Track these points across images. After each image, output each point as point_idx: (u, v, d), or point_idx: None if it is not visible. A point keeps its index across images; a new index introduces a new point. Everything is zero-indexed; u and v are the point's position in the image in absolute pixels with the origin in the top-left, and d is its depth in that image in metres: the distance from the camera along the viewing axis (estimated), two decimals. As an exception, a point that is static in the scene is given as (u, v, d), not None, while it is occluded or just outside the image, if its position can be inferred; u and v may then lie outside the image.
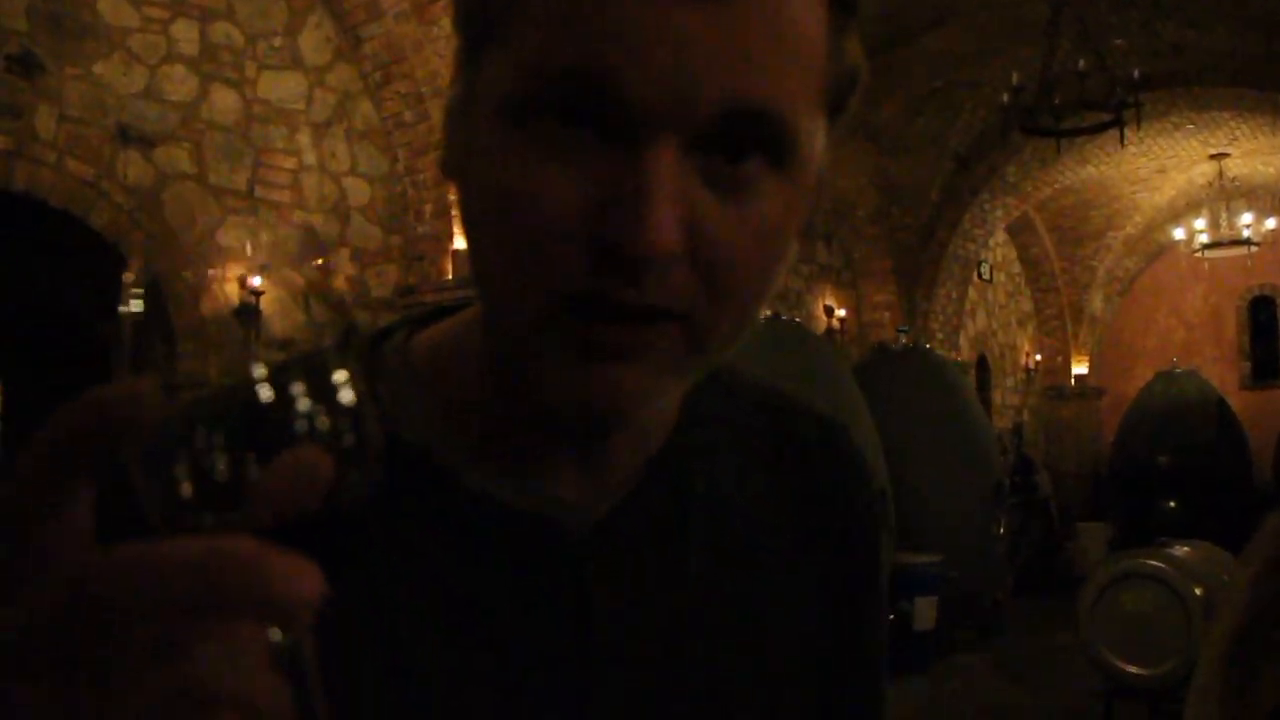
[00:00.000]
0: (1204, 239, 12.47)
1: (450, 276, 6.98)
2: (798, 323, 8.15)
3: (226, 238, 6.49)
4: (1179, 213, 13.47)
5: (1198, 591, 5.22)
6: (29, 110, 5.67)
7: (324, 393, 0.36)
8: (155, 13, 6.24)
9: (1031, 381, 15.15)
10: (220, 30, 6.55)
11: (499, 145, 0.51)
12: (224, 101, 6.55)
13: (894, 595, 7.12)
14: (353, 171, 7.16)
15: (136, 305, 5.71)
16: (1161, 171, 12.85)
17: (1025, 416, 14.74)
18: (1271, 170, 12.80)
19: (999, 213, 12.11)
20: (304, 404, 0.36)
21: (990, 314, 14.28)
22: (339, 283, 7.04)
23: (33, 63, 5.69)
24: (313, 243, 6.91)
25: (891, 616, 6.76)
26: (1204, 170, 12.64)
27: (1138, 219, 14.17)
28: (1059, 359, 15.39)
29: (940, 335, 11.85)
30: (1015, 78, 7.66)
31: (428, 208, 7.21)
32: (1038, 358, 15.24)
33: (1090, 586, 5.64)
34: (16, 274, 6.77)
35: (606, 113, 0.49)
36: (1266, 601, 0.75)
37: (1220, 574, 5.29)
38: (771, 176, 0.51)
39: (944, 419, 8.56)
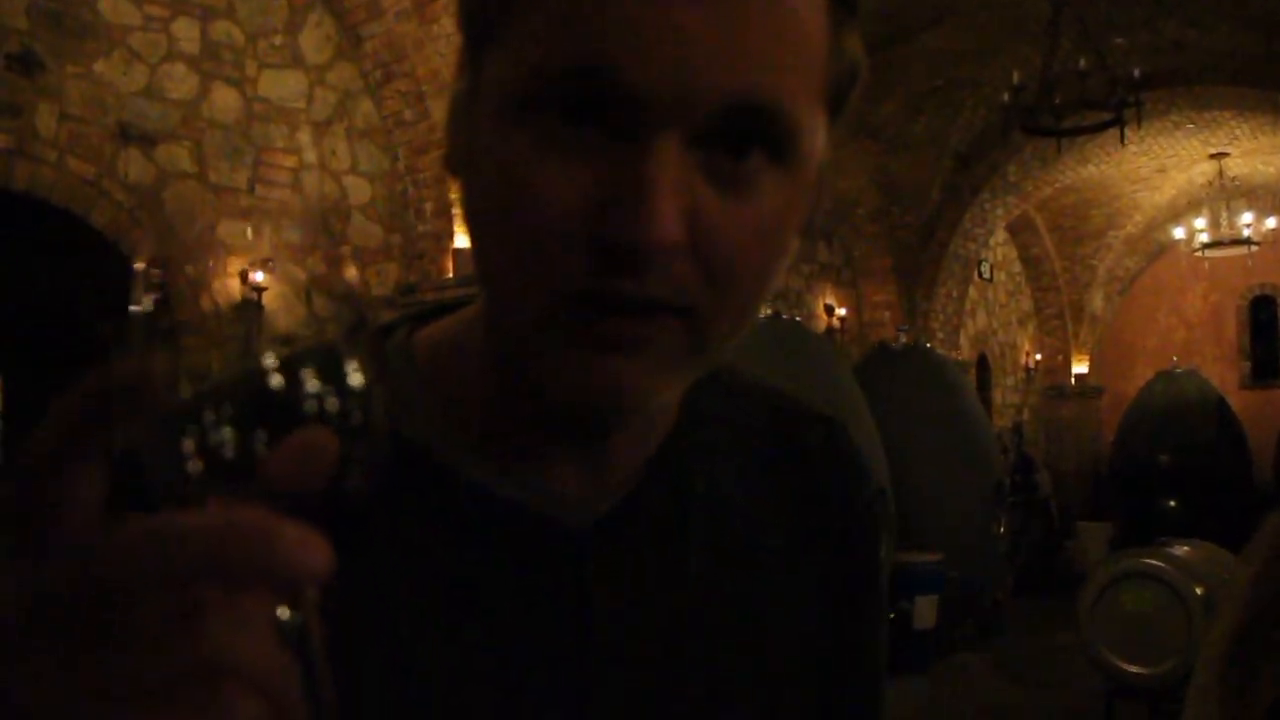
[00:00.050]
0: (1204, 238, 12.46)
1: (451, 275, 6.98)
2: (798, 322, 8.15)
3: (228, 233, 6.50)
4: (1179, 212, 13.46)
5: (1198, 591, 5.22)
6: (29, 109, 5.67)
7: (333, 376, 0.37)
8: (156, 11, 6.24)
9: (1032, 381, 15.15)
10: (221, 29, 6.55)
11: (502, 142, 0.51)
12: (225, 100, 6.55)
13: (894, 594, 7.12)
14: (353, 170, 7.16)
15: (148, 300, 5.71)
16: (1162, 171, 12.85)
17: (1025, 416, 14.73)
18: (1272, 170, 12.79)
19: (999, 212, 12.11)
20: (313, 385, 0.36)
21: (990, 313, 14.28)
22: (346, 274, 7.04)
23: (33, 61, 5.68)
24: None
25: (892, 616, 6.76)
26: (1204, 169, 12.63)
27: (1138, 218, 14.16)
28: (1059, 358, 15.39)
29: (940, 334, 11.84)
30: (1016, 76, 7.65)
31: (428, 206, 7.21)
32: (1038, 357, 15.23)
33: (1090, 586, 5.64)
34: (17, 273, 6.77)
35: (609, 109, 0.49)
36: (1266, 601, 0.75)
37: (1221, 573, 5.29)
38: (773, 172, 0.52)
39: (944, 418, 8.56)
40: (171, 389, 0.33)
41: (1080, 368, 15.40)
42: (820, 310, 11.09)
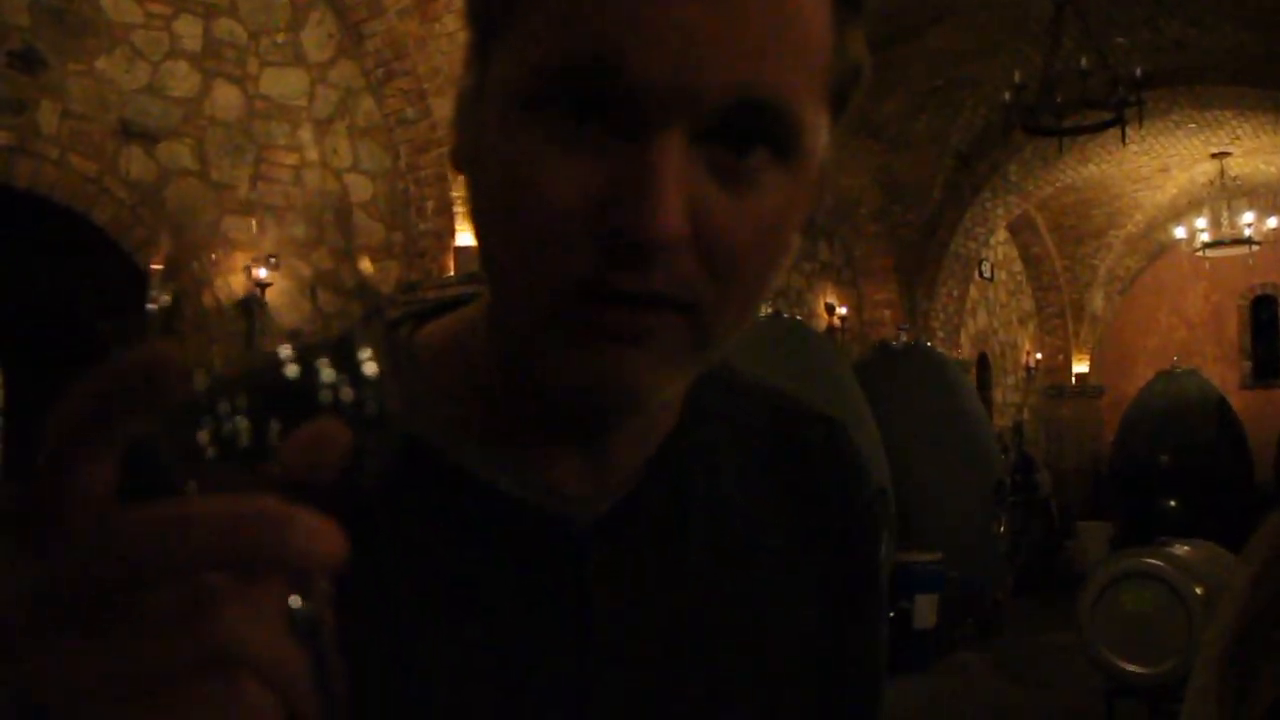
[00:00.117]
0: (1205, 238, 12.47)
1: (452, 273, 6.99)
2: (799, 320, 8.15)
3: (231, 230, 6.50)
4: (1180, 211, 13.46)
5: (1198, 591, 5.22)
6: (31, 106, 5.68)
7: (348, 366, 0.37)
8: (158, 8, 6.24)
9: (1032, 380, 15.15)
10: (223, 26, 6.55)
11: (508, 137, 0.51)
12: (226, 98, 6.55)
13: (894, 593, 7.13)
14: (354, 168, 7.17)
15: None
16: (1163, 170, 12.85)
17: (1026, 415, 14.73)
18: (1273, 169, 12.79)
19: (1000, 211, 12.11)
20: (328, 375, 0.36)
21: (991, 312, 14.28)
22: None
23: (35, 58, 5.69)
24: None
25: (892, 615, 6.77)
26: (1205, 169, 12.63)
27: (1139, 218, 14.16)
28: (1060, 358, 15.39)
29: (941, 333, 11.85)
30: (1017, 76, 7.66)
31: (429, 204, 7.21)
32: (1038, 356, 15.23)
33: (1091, 585, 5.64)
34: (18, 270, 6.77)
35: (613, 106, 0.49)
36: (1266, 601, 0.75)
37: (1221, 573, 5.28)
38: (776, 169, 0.52)
39: (945, 417, 8.56)
40: (186, 378, 0.33)
41: (1081, 367, 15.40)
42: (821, 309, 11.09)
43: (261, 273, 6.45)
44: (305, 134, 6.92)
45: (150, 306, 5.66)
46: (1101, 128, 7.84)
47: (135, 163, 6.10)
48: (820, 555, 0.70)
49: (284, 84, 6.82)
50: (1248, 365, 15.33)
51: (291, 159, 6.85)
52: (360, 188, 7.18)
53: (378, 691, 0.55)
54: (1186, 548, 5.90)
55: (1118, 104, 7.48)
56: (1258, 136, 11.55)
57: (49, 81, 5.75)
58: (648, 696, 0.61)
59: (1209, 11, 8.88)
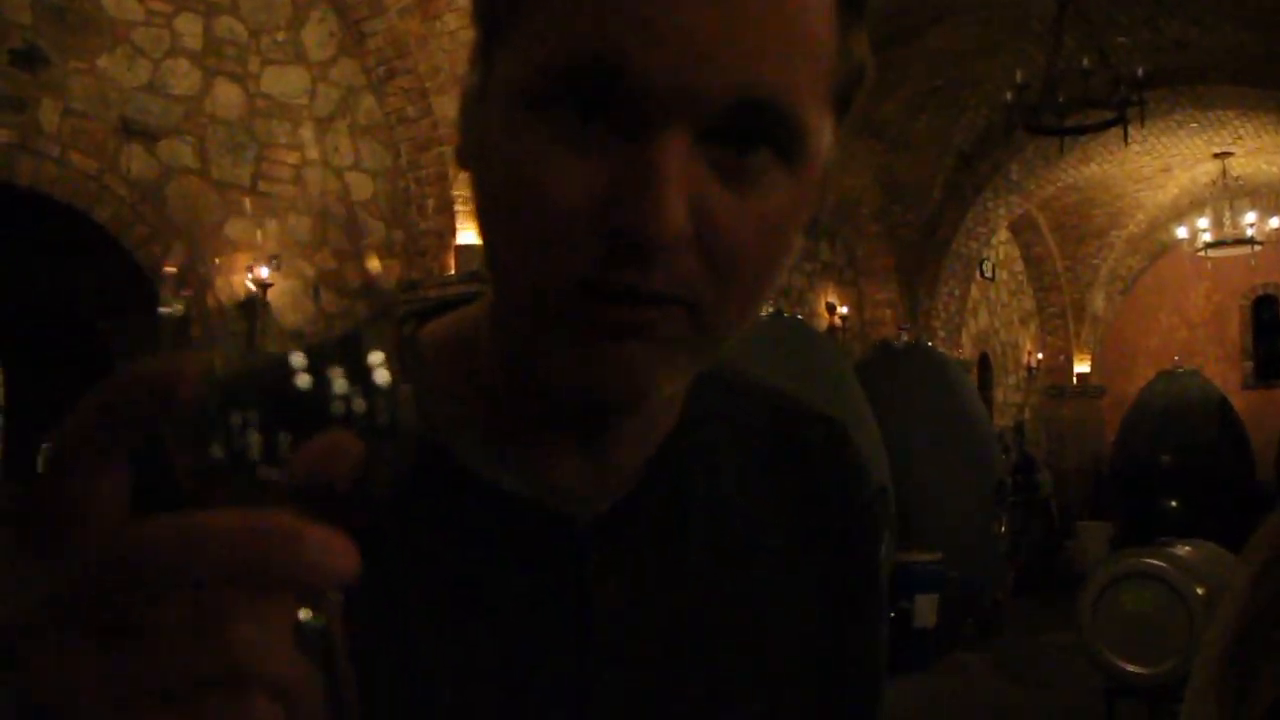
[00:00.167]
0: (1207, 238, 12.46)
1: (453, 271, 6.99)
2: (800, 320, 8.16)
3: (233, 230, 6.51)
4: (1182, 211, 13.46)
5: (1199, 591, 5.22)
6: (33, 104, 5.68)
7: (359, 374, 0.36)
8: (159, 6, 6.24)
9: (1033, 380, 15.15)
10: (224, 24, 6.55)
11: (512, 136, 0.52)
12: (227, 96, 6.55)
13: (895, 593, 7.12)
14: (355, 166, 7.17)
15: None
16: (1165, 170, 12.84)
17: (1027, 415, 14.73)
18: (1275, 169, 12.78)
19: (1002, 211, 12.11)
20: (340, 385, 0.36)
21: (992, 312, 14.28)
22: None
23: (36, 56, 5.69)
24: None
25: (892, 615, 6.76)
26: (1207, 169, 12.63)
27: (1140, 218, 14.16)
28: (1061, 358, 15.38)
29: (942, 333, 11.84)
30: (1019, 75, 7.65)
31: (430, 203, 7.22)
32: (1039, 356, 15.23)
33: (1091, 585, 5.64)
34: (20, 268, 6.77)
35: (616, 104, 0.49)
36: (1266, 601, 0.75)
37: (1221, 573, 5.28)
38: (779, 169, 0.52)
39: (946, 417, 8.56)
40: (198, 389, 0.33)
41: (1082, 367, 15.40)
42: (822, 308, 11.09)
43: (264, 272, 6.45)
44: (306, 132, 6.92)
45: (163, 310, 5.66)
46: (1103, 127, 7.84)
47: (136, 161, 6.10)
48: (820, 555, 0.70)
49: (285, 82, 6.82)
50: (1249, 365, 15.33)
51: (292, 157, 6.85)
52: (361, 186, 7.18)
53: (379, 690, 0.55)
54: (1187, 548, 5.90)
55: (1120, 104, 7.47)
56: (1260, 136, 11.55)
57: (50, 79, 5.75)
58: (648, 696, 0.61)
59: (1210, 11, 8.88)
